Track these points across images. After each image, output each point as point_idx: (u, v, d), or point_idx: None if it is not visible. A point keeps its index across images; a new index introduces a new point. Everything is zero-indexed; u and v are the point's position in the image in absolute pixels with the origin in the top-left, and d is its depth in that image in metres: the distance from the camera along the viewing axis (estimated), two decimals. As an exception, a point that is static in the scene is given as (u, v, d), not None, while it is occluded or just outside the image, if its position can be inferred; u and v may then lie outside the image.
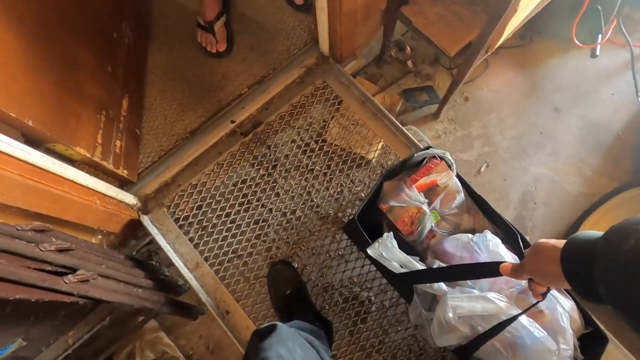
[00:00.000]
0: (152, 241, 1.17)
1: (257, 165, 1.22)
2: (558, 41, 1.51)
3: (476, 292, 0.80)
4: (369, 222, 0.94)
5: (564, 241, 0.53)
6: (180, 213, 1.17)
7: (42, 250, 0.67)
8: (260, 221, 1.17)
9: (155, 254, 1.25)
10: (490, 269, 0.69)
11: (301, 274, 1.12)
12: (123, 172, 1.11)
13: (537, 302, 0.68)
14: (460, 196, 0.97)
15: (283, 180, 1.21)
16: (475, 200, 0.99)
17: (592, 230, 0.52)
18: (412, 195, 0.93)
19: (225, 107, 1.28)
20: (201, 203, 1.18)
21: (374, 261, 0.89)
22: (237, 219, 1.17)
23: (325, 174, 1.22)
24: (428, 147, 0.99)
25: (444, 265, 0.86)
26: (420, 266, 0.83)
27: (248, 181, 1.21)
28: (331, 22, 1.13)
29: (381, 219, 0.99)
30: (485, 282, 0.83)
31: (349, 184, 1.21)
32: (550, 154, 1.41)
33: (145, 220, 1.14)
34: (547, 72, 1.51)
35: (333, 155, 1.24)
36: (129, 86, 1.20)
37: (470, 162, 1.40)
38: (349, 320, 1.10)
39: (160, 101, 1.29)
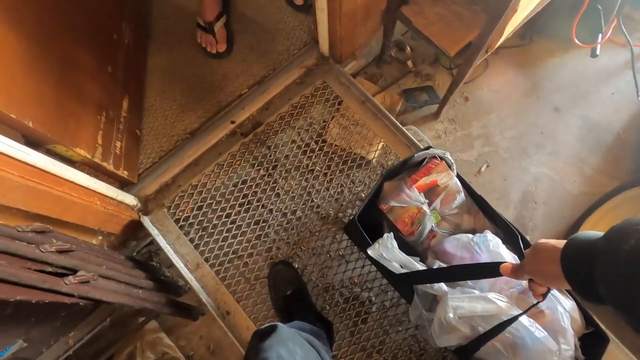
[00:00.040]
0: (153, 242, 1.17)
1: (258, 166, 1.22)
2: (558, 41, 1.51)
3: (477, 292, 0.80)
4: (370, 223, 0.94)
5: (564, 241, 0.53)
6: (180, 214, 1.17)
7: (42, 252, 0.67)
8: (261, 222, 1.17)
9: (155, 254, 1.25)
10: (491, 270, 0.69)
11: (302, 275, 1.12)
12: (123, 173, 1.11)
13: (538, 303, 0.68)
14: (461, 196, 0.97)
15: (283, 180, 1.21)
16: (476, 200, 0.99)
17: (593, 229, 0.52)
18: (413, 195, 0.93)
19: (225, 108, 1.28)
20: (201, 204, 1.18)
21: (374, 261, 0.89)
22: (238, 219, 1.17)
23: (325, 174, 1.22)
24: (428, 147, 0.99)
25: (444, 265, 0.86)
26: (420, 267, 0.83)
27: (248, 182, 1.21)
28: (331, 23, 1.13)
29: (381, 220, 0.99)
30: (485, 282, 0.83)
31: (349, 184, 1.21)
32: (551, 154, 1.41)
33: (146, 221, 1.14)
34: (547, 71, 1.51)
35: (333, 155, 1.24)
36: (129, 87, 1.20)
37: (471, 162, 1.40)
38: (350, 321, 1.10)
39: (160, 102, 1.29)
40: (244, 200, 1.19)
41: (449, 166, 0.98)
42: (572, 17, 1.29)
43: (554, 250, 0.53)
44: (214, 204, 1.18)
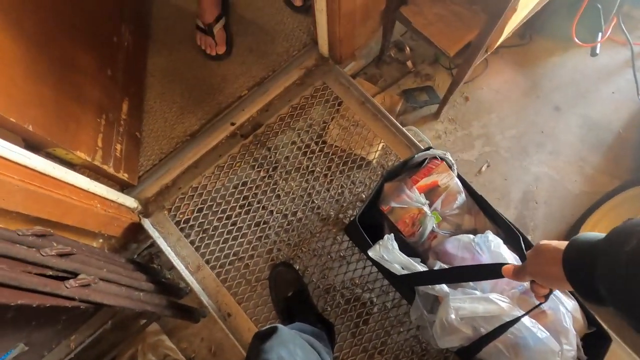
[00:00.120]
0: (153, 244, 1.17)
1: (258, 168, 1.22)
2: (558, 40, 1.51)
3: (478, 293, 0.79)
4: (370, 224, 0.94)
5: (566, 243, 0.53)
6: (181, 216, 1.17)
7: (43, 255, 0.67)
8: (261, 223, 1.17)
9: (156, 257, 1.25)
10: (492, 271, 0.69)
11: (302, 276, 1.12)
12: (123, 175, 1.11)
13: (540, 304, 0.67)
14: (462, 197, 0.96)
15: (284, 182, 1.21)
16: (477, 200, 0.99)
17: (594, 229, 0.52)
18: (413, 196, 0.93)
19: (225, 110, 1.28)
20: (202, 205, 1.18)
21: (375, 262, 0.89)
22: (238, 221, 1.17)
23: (325, 175, 1.22)
24: (429, 148, 0.98)
25: (445, 266, 0.86)
26: (421, 268, 0.83)
27: (248, 183, 1.21)
28: (330, 24, 1.13)
29: (382, 220, 0.99)
30: (487, 283, 0.83)
31: (350, 185, 1.21)
32: (551, 153, 1.40)
33: (146, 223, 1.14)
34: (547, 71, 1.51)
35: (333, 156, 1.24)
36: (129, 89, 1.20)
37: (471, 162, 1.40)
38: (351, 322, 1.10)
39: (160, 104, 1.29)
40: (244, 201, 1.19)
41: (450, 167, 0.98)
42: (572, 16, 1.28)
43: (556, 252, 0.53)
44: (214, 206, 1.18)
